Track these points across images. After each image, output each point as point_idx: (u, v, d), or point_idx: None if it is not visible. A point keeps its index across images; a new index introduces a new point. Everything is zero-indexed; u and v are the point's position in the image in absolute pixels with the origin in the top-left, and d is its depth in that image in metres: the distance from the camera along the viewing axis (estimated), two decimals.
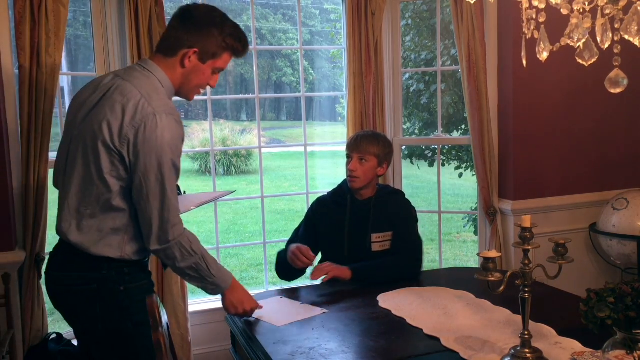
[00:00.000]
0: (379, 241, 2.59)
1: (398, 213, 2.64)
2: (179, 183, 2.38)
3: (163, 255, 1.84)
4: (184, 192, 2.56)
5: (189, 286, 3.39)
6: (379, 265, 2.52)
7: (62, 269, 1.90)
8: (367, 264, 2.52)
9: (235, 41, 1.94)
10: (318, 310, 2.12)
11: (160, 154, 1.76)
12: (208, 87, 2.06)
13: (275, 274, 2.77)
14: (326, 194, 2.79)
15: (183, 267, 1.87)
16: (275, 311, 2.12)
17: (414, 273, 2.55)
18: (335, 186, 2.77)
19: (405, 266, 2.53)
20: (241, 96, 20.43)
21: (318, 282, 2.47)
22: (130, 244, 1.86)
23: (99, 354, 1.95)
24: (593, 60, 1.54)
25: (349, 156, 2.64)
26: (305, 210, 2.85)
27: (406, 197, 2.77)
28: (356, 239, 2.59)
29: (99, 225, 1.82)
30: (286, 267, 2.55)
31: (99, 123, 1.78)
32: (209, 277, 1.91)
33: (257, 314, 2.09)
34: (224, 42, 1.91)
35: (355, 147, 2.61)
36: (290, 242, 2.72)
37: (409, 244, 2.59)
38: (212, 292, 1.99)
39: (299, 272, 2.58)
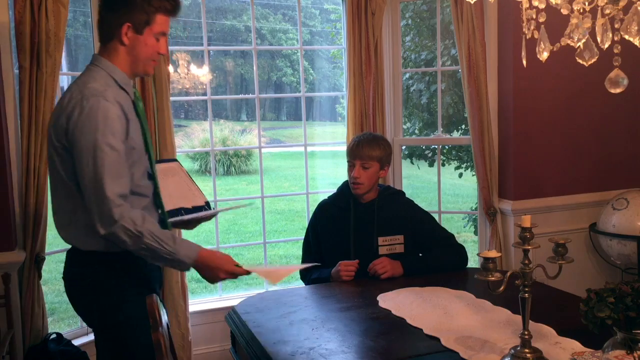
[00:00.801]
0: (386, 244, 2.58)
1: (412, 217, 2.66)
2: (208, 199, 2.32)
3: (113, 240, 1.79)
4: (213, 208, 2.46)
5: (189, 286, 3.39)
6: (430, 259, 2.59)
7: (67, 265, 1.97)
8: (418, 259, 2.60)
9: (161, 1, 1.92)
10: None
11: (90, 136, 1.76)
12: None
13: None
14: (327, 198, 2.78)
15: (136, 250, 1.81)
16: (268, 271, 2.07)
17: (463, 260, 2.62)
18: (336, 189, 2.77)
19: (453, 256, 2.61)
20: (241, 96, 20.44)
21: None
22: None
23: (99, 348, 1.99)
24: (593, 60, 1.54)
25: (350, 163, 2.64)
26: (306, 210, 2.85)
27: (406, 196, 2.78)
28: (362, 243, 2.59)
29: (83, 221, 1.84)
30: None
31: (49, 128, 1.89)
32: (167, 255, 1.82)
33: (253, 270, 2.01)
34: (150, 6, 1.90)
35: (357, 153, 2.60)
36: (305, 255, 2.76)
37: (444, 238, 2.66)
38: (180, 268, 1.91)
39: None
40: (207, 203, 2.23)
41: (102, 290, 1.90)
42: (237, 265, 1.95)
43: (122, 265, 1.90)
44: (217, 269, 1.90)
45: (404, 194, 2.79)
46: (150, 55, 1.97)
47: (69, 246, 1.97)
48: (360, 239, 2.60)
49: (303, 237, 2.81)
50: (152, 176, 2.00)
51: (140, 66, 1.97)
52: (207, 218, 2.20)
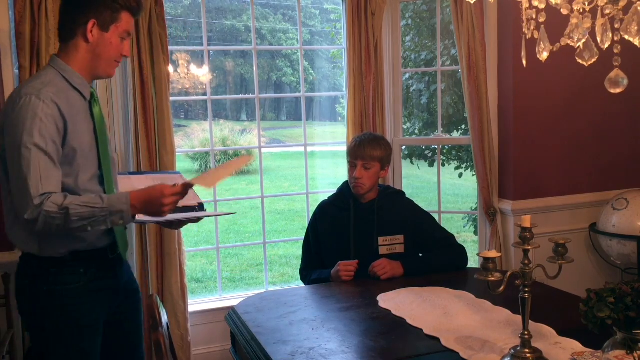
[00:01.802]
0: (386, 244, 2.58)
1: (412, 217, 2.67)
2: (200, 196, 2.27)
3: (45, 228, 1.74)
4: (206, 210, 2.33)
5: (189, 286, 3.38)
6: (430, 259, 2.59)
7: (18, 267, 1.95)
8: (418, 258, 2.58)
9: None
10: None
11: (17, 134, 1.73)
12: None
13: (275, 274, 2.78)
14: (327, 198, 2.78)
15: (74, 226, 1.74)
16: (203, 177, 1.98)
17: (463, 260, 2.61)
18: (336, 189, 2.77)
19: (453, 256, 2.60)
20: (241, 96, 20.43)
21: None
22: (45, 241, 1.84)
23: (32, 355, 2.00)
24: (593, 60, 1.54)
25: (351, 163, 2.63)
26: (306, 210, 2.85)
27: (407, 196, 2.78)
28: (362, 243, 2.59)
29: (21, 224, 1.82)
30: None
31: None
32: (104, 213, 1.76)
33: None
34: (116, 3, 1.87)
35: (358, 153, 2.60)
36: (305, 255, 2.74)
37: (445, 238, 2.66)
38: (125, 220, 1.81)
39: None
40: (201, 204, 2.16)
41: (35, 294, 1.88)
42: (172, 185, 1.85)
43: (57, 272, 1.87)
44: (157, 199, 1.80)
45: (404, 194, 2.79)
46: (114, 56, 1.92)
47: None
48: (361, 239, 2.59)
49: (303, 237, 2.81)
50: (103, 181, 1.93)
51: (102, 67, 1.92)
52: (193, 220, 2.12)
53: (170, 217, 1.97)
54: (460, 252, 2.62)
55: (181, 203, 1.96)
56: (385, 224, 2.61)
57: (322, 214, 2.71)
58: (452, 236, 2.68)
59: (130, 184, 2.14)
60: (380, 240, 2.58)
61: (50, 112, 1.76)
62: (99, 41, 1.87)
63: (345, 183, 2.73)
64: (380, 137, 2.72)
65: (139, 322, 2.15)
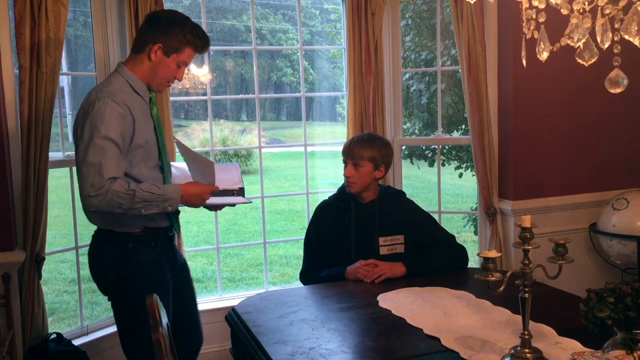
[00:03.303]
0: (387, 245, 2.58)
1: (412, 217, 2.66)
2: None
3: (107, 206, 2.06)
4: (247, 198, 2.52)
5: None
6: (431, 258, 2.57)
7: (91, 243, 2.32)
8: (420, 257, 2.57)
9: (194, 37, 2.25)
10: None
11: (95, 125, 2.07)
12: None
13: (275, 274, 2.77)
14: (327, 198, 2.77)
15: (132, 206, 2.08)
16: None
17: (464, 260, 2.61)
18: (336, 190, 2.77)
19: (454, 255, 2.60)
20: (241, 96, 20.43)
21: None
22: (124, 220, 2.19)
23: (115, 318, 2.33)
24: (593, 60, 1.53)
25: (344, 161, 2.65)
26: (306, 210, 2.85)
27: (407, 196, 2.78)
28: (363, 243, 2.58)
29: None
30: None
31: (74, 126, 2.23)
32: (159, 199, 2.13)
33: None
34: (185, 38, 2.22)
35: (348, 153, 2.62)
36: (307, 254, 2.72)
37: (446, 239, 2.65)
38: (172, 207, 2.18)
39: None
40: (241, 189, 2.41)
41: (117, 266, 2.22)
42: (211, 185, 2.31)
43: (134, 246, 2.23)
44: (200, 194, 2.25)
45: (404, 194, 2.79)
46: (167, 77, 2.27)
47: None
48: (361, 239, 2.59)
49: (303, 237, 2.80)
50: (162, 170, 2.29)
51: (155, 82, 2.27)
52: (230, 204, 2.42)
53: (210, 201, 2.33)
54: (461, 253, 2.62)
55: (223, 186, 2.35)
56: (385, 224, 2.60)
57: (323, 214, 2.71)
58: (453, 236, 2.68)
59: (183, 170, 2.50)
60: (381, 240, 2.58)
61: (123, 113, 2.12)
62: (160, 62, 2.22)
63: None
64: (377, 138, 2.69)
65: (193, 289, 2.57)
